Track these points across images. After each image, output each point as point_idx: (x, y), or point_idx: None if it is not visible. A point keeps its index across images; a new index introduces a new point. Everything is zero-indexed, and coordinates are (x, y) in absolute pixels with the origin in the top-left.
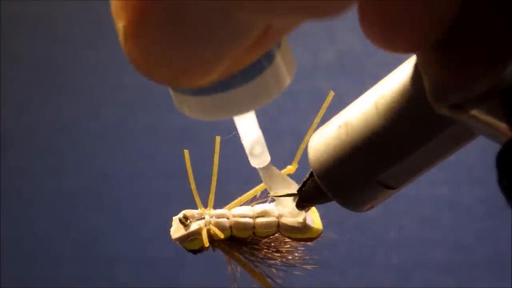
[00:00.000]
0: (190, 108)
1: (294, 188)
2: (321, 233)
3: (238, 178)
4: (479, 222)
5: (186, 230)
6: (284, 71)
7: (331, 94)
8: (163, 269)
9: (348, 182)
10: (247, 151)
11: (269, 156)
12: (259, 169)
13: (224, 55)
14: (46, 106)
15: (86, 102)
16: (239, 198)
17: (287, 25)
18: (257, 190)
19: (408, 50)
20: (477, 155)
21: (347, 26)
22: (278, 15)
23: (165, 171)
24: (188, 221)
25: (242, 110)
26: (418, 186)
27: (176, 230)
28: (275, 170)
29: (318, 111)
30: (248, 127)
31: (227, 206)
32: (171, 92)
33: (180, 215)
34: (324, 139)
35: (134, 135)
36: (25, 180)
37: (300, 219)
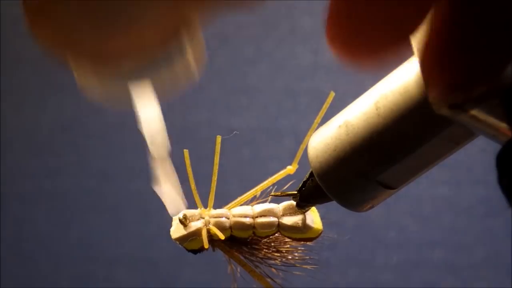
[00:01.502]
0: (95, 94)
1: (178, 190)
2: (321, 233)
3: (238, 178)
4: (479, 222)
5: (186, 230)
6: (194, 65)
7: (332, 94)
8: (163, 269)
9: (348, 182)
10: (148, 141)
11: (169, 148)
12: (155, 160)
13: (135, 33)
14: (46, 106)
15: (86, 102)
16: (239, 198)
17: (202, 15)
18: (257, 190)
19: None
20: (477, 155)
21: None
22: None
23: None
24: (188, 221)
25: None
26: (418, 186)
27: (176, 230)
28: (169, 164)
29: (318, 111)
30: (152, 117)
31: (227, 206)
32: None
33: (180, 215)
34: (324, 139)
35: (134, 135)
36: (25, 180)
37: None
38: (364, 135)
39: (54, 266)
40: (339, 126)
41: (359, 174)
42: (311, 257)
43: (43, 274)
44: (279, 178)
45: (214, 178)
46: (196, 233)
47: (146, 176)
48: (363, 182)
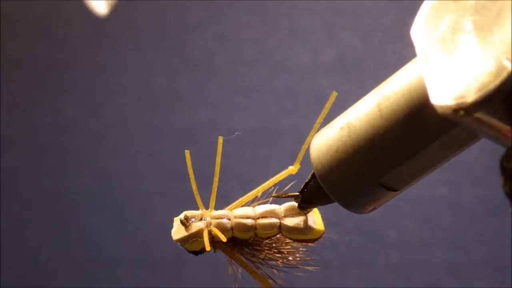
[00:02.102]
0: None
1: None
2: (322, 234)
3: (239, 178)
4: (479, 222)
5: (187, 231)
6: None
7: (334, 94)
8: (163, 269)
9: (350, 184)
10: None
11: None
12: None
13: None
14: (46, 106)
15: (86, 102)
16: (240, 199)
17: None
18: (258, 190)
19: None
20: (477, 155)
21: (347, 25)
22: None
23: (165, 171)
24: (190, 222)
25: None
26: (418, 186)
27: (177, 232)
28: None
29: (318, 111)
30: None
31: (229, 207)
32: None
33: (181, 216)
34: (326, 140)
35: (134, 135)
36: (25, 180)
37: None
38: (366, 137)
39: (54, 266)
40: (341, 128)
41: (361, 176)
42: (312, 257)
43: (43, 274)
44: (280, 178)
45: (216, 179)
46: (198, 235)
47: (146, 176)
48: (365, 184)
